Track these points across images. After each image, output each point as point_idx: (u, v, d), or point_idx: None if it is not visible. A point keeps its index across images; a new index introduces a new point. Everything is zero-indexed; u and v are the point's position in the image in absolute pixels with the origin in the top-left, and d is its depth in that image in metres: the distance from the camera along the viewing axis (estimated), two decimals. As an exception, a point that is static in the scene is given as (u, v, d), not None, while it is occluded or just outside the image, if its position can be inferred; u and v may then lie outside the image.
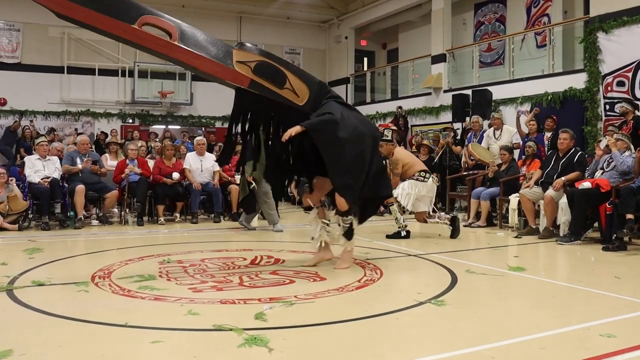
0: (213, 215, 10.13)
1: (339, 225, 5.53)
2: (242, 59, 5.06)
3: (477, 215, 9.51)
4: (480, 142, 10.91)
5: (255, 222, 9.76)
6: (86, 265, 6.05)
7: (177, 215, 10.05)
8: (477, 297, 4.73)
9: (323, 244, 5.81)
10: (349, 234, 5.52)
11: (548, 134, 10.23)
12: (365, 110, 18.09)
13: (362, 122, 5.61)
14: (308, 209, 5.88)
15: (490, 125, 11.22)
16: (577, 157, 8.18)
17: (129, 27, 4.65)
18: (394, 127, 13.58)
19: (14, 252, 6.71)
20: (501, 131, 10.63)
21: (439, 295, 4.60)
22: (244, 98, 5.44)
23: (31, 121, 16.41)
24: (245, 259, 6.22)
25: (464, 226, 9.42)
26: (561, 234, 7.74)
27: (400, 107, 16.10)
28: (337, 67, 20.64)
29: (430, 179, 7.98)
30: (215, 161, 10.28)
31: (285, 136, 5.08)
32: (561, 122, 10.51)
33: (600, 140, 9.15)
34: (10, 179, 8.90)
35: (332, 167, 5.19)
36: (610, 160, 7.75)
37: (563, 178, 7.97)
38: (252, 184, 8.45)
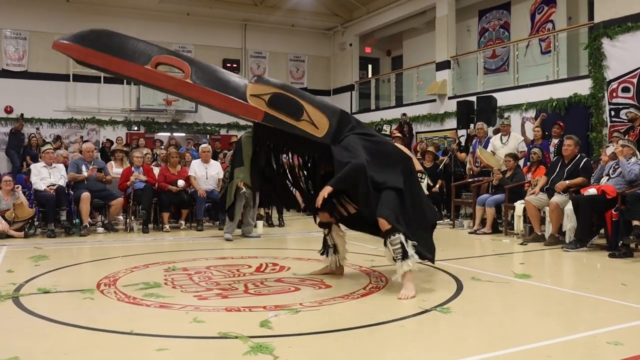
0: (218, 222, 10.12)
1: (389, 248, 4.90)
2: (256, 92, 4.91)
3: (483, 222, 9.49)
4: (485, 148, 10.89)
5: (261, 229, 9.77)
6: (92, 272, 6.05)
7: (183, 222, 10.05)
8: (482, 304, 4.71)
9: (338, 264, 5.72)
10: (404, 257, 4.85)
11: (555, 141, 10.21)
12: (370, 117, 18.16)
13: (390, 151, 5.31)
14: (324, 225, 5.63)
15: (497, 131, 11.21)
16: (582, 163, 8.15)
17: (143, 69, 4.71)
18: (399, 134, 13.60)
19: (20, 260, 6.72)
20: (508, 137, 10.60)
21: (444, 302, 4.58)
22: (262, 132, 5.30)
23: (37, 129, 16.49)
24: (250, 267, 6.22)
25: (469, 233, 9.42)
26: (567, 241, 7.71)
27: (404, 114, 16.11)
28: (341, 74, 20.67)
29: (426, 180, 7.95)
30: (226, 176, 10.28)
31: (319, 201, 4.75)
32: (566, 128, 10.50)
33: (608, 147, 9.12)
34: (16, 186, 8.93)
35: (369, 210, 4.89)
36: (616, 167, 7.73)
37: (567, 182, 7.96)
38: (242, 189, 8.39)
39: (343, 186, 4.89)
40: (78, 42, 4.65)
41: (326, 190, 4.74)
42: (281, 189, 5.69)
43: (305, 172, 5.68)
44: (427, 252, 5.10)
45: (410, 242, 4.84)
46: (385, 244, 4.89)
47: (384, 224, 4.82)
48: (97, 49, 4.64)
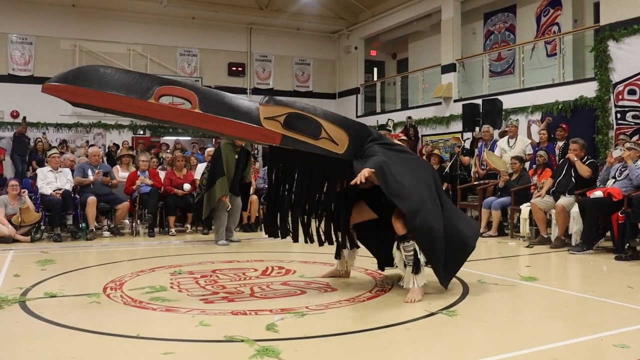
0: (224, 226, 10.14)
1: (401, 254, 4.86)
2: (269, 115, 4.64)
3: (489, 225, 9.48)
4: (492, 151, 10.87)
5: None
6: (98, 276, 6.07)
7: (188, 226, 10.07)
8: (488, 307, 4.70)
9: (346, 268, 5.72)
10: (415, 266, 4.80)
11: (560, 144, 10.19)
12: (376, 120, 18.13)
13: (412, 160, 5.24)
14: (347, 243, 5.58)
15: (503, 134, 11.18)
16: (587, 163, 8.17)
17: (146, 103, 4.38)
18: (405, 137, 13.60)
19: (27, 264, 6.74)
20: (515, 140, 10.58)
21: (450, 305, 4.59)
22: (277, 154, 5.10)
23: (44, 133, 16.53)
24: (256, 270, 6.22)
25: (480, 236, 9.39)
26: (573, 244, 7.70)
27: (410, 117, 16.10)
28: (347, 77, 20.67)
29: None
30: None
31: (359, 179, 4.42)
32: (572, 131, 10.48)
33: (615, 149, 9.08)
34: (22, 191, 8.96)
35: (395, 198, 4.67)
36: (622, 169, 7.72)
37: (576, 158, 8.00)
38: (229, 205, 8.25)
39: (377, 168, 4.55)
40: (68, 81, 4.32)
41: (366, 171, 4.43)
42: (283, 217, 5.30)
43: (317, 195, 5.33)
44: (444, 276, 5.02)
45: (421, 253, 4.79)
46: (398, 247, 4.87)
47: (399, 227, 4.77)
48: (90, 87, 4.30)
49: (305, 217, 5.35)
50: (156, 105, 4.41)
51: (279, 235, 5.31)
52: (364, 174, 4.39)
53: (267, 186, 6.14)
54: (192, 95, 4.49)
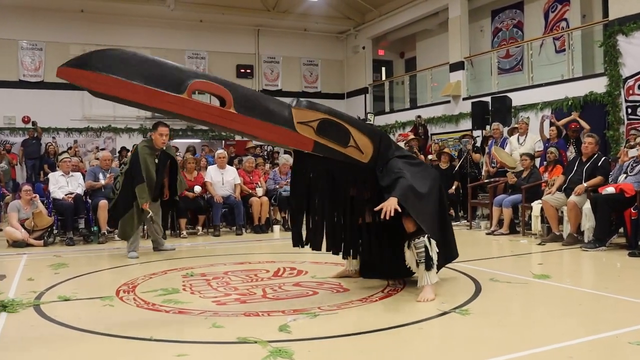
0: (235, 227, 10.16)
1: (412, 251, 4.81)
2: (303, 120, 4.46)
3: (500, 223, 9.44)
4: (502, 148, 10.83)
5: (278, 233, 9.80)
6: (110, 279, 6.10)
7: (200, 228, 10.09)
8: (501, 305, 4.68)
9: (357, 268, 5.71)
10: (427, 263, 4.77)
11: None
12: (385, 120, 18.15)
13: (426, 172, 5.21)
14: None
15: (513, 131, 11.15)
16: (600, 162, 8.09)
17: (177, 99, 3.84)
18: (414, 136, 13.58)
19: (40, 268, 6.78)
20: (525, 137, 10.54)
21: (463, 304, 4.57)
22: (303, 159, 4.87)
23: (54, 138, 16.65)
24: (268, 271, 6.23)
25: (487, 234, 9.37)
26: (586, 240, 7.65)
27: (419, 116, 16.08)
28: (355, 77, 20.67)
29: None
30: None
31: (388, 211, 4.43)
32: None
33: (631, 148, 8.97)
34: (34, 196, 9.02)
35: (418, 218, 4.69)
36: (634, 165, 7.67)
37: (585, 184, 7.89)
38: (149, 212, 7.45)
39: (404, 198, 4.57)
40: (88, 67, 3.63)
41: (393, 203, 4.47)
42: (314, 226, 5.06)
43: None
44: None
45: (434, 246, 4.80)
46: (408, 246, 4.85)
47: (409, 225, 4.76)
48: (114, 75, 3.63)
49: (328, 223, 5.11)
50: (189, 102, 3.89)
51: (315, 246, 5.08)
52: (392, 206, 4.46)
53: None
54: (227, 94, 4.07)
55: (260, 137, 4.48)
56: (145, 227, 8.09)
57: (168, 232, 9.70)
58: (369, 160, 4.87)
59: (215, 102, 4.21)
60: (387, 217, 4.46)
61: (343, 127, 4.69)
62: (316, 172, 4.92)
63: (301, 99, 4.66)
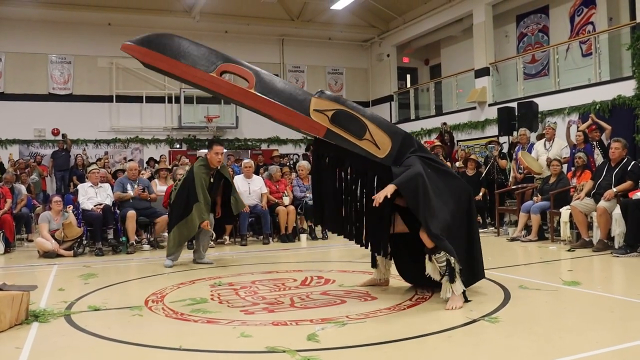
0: (262, 237, 10.20)
1: (434, 263, 4.80)
2: (319, 108, 4.91)
3: (528, 229, 9.34)
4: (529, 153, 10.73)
5: (304, 242, 9.81)
6: (139, 289, 6.15)
7: (227, 237, 10.14)
8: (531, 313, 4.63)
9: (385, 276, 5.71)
10: (450, 275, 4.76)
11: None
12: (410, 127, 18.08)
13: (449, 178, 5.19)
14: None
15: (541, 136, 11.03)
16: (630, 166, 7.97)
17: (208, 76, 4.83)
18: (440, 143, 13.52)
19: (70, 278, 6.87)
20: (552, 143, 10.43)
21: (492, 312, 4.53)
22: (322, 147, 5.26)
23: (84, 150, 16.91)
24: (295, 280, 6.24)
25: (509, 240, 9.27)
26: (616, 246, 7.54)
27: (445, 123, 16.00)
28: (380, 85, 20.67)
29: None
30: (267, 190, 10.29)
31: (380, 198, 4.60)
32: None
33: None
34: (67, 206, 9.15)
35: (419, 213, 4.70)
36: (665, 169, 7.55)
37: (614, 189, 7.78)
38: (210, 232, 7.81)
39: (405, 186, 4.65)
40: (144, 44, 4.87)
41: (390, 189, 4.62)
42: (336, 211, 5.41)
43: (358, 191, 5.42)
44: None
45: (455, 262, 4.75)
46: (430, 259, 4.82)
47: (427, 240, 4.73)
48: (161, 52, 4.82)
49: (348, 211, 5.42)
50: (216, 79, 4.86)
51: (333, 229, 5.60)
52: (385, 192, 4.60)
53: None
54: (250, 76, 4.90)
55: (275, 117, 4.95)
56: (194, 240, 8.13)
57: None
58: (386, 156, 5.00)
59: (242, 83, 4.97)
60: (376, 204, 4.63)
61: (360, 121, 4.97)
62: (331, 158, 5.30)
63: (327, 92, 5.09)
